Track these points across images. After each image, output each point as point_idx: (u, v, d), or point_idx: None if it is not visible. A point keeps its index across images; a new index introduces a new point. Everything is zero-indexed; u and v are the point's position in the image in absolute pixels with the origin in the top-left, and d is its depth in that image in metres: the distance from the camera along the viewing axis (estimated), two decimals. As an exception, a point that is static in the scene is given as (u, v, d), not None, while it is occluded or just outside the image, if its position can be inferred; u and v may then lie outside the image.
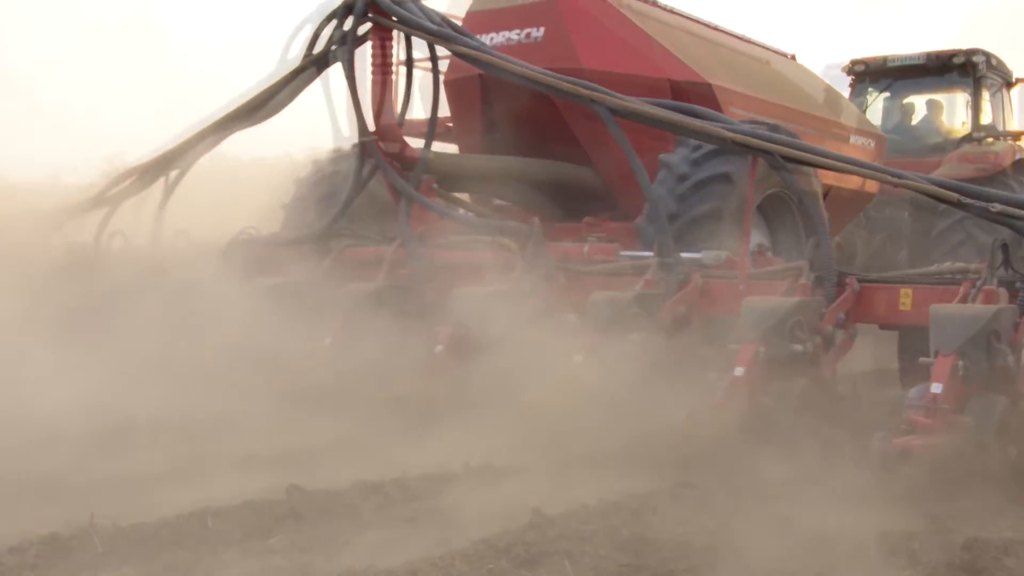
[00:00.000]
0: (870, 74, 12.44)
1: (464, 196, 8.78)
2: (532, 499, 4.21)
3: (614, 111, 6.59)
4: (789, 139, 6.55)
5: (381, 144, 7.36)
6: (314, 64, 7.60)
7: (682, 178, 7.19)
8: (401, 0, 7.21)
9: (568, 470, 4.90)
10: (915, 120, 12.54)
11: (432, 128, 7.60)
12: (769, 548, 3.80)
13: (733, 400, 5.17)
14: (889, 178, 6.09)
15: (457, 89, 8.26)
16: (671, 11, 8.79)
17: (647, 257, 6.38)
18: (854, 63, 12.53)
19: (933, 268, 5.97)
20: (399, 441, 5.40)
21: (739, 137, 6.28)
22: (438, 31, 7.16)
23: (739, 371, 5.25)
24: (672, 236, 6.46)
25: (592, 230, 7.68)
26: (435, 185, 7.66)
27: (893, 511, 4.28)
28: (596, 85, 6.73)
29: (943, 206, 6.66)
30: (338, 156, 8.91)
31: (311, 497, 4.35)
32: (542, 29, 8.02)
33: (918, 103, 12.56)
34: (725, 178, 7.11)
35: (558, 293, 6.41)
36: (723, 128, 6.39)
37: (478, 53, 7.10)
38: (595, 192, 8.29)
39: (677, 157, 7.30)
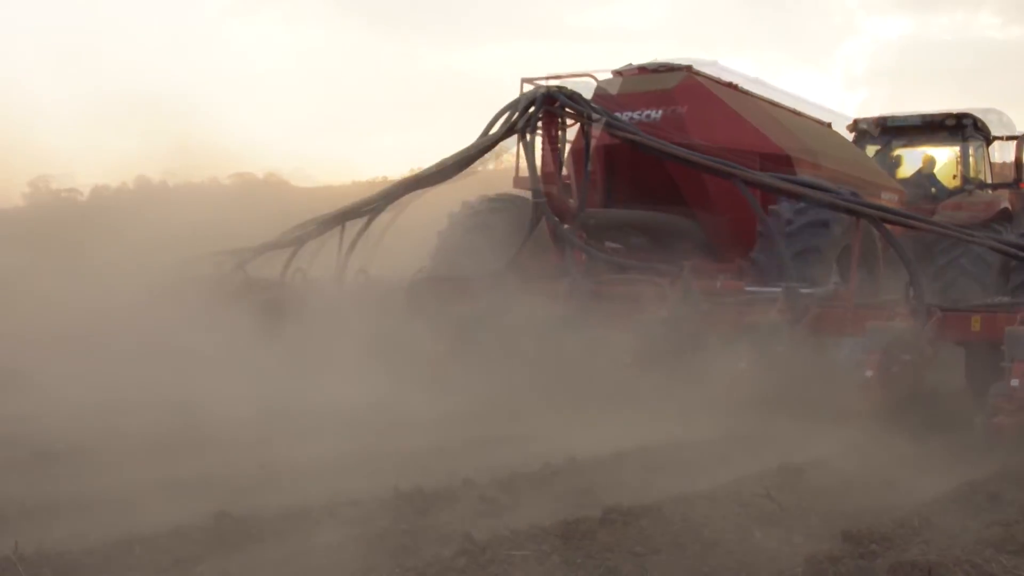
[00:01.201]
0: (870, 131, 14.20)
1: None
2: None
3: (747, 182, 8.60)
4: (881, 204, 9.04)
5: (549, 202, 9.07)
6: (504, 139, 9.42)
7: (788, 223, 9.19)
8: (572, 96, 9.12)
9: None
10: (910, 172, 14.10)
11: (584, 190, 9.39)
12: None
13: (870, 391, 7.08)
14: (965, 236, 8.78)
15: (581, 157, 9.63)
16: (754, 96, 10.93)
17: (774, 291, 8.08)
18: (857, 122, 14.32)
19: (991, 301, 8.47)
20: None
21: (850, 205, 8.44)
22: (600, 118, 9.02)
23: (869, 373, 7.14)
24: (779, 268, 8.48)
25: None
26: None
27: (976, 467, 5.85)
28: (734, 163, 8.72)
29: (941, 246, 9.87)
30: (484, 200, 10.90)
31: (239, 524, 4.33)
32: (660, 112, 10.05)
33: (911, 156, 14.25)
34: (823, 224, 9.18)
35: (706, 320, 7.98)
36: (835, 197, 8.49)
37: (635, 136, 9.04)
38: (693, 239, 10.01)
39: (783, 207, 9.34)
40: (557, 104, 9.11)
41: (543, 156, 9.23)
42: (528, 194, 9.66)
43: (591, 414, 7.17)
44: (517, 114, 9.13)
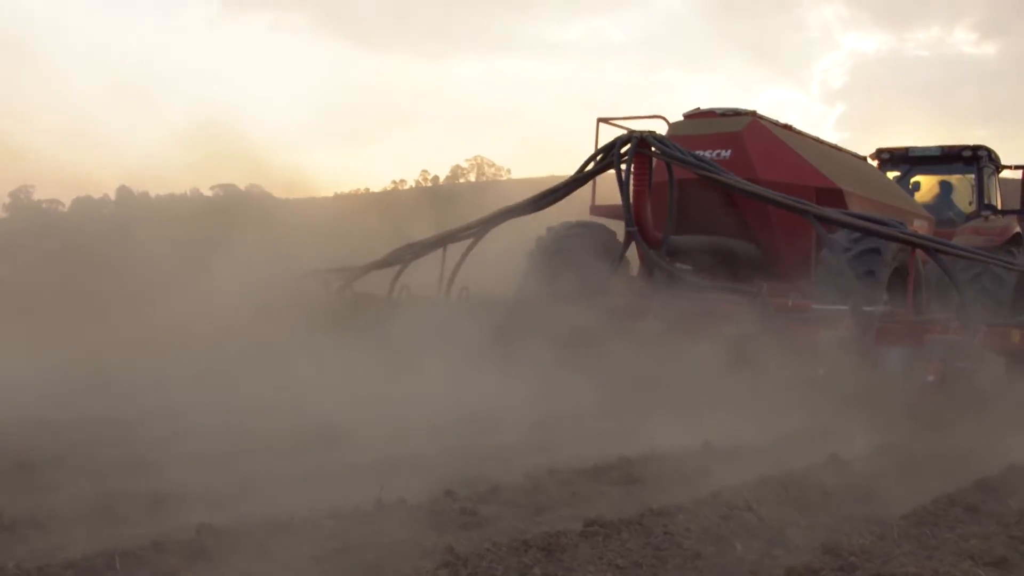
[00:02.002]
0: (892, 160, 15.55)
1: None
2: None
3: (819, 217, 9.82)
4: (931, 236, 10.80)
5: (639, 232, 10.29)
6: (598, 174, 10.82)
7: (846, 250, 10.15)
8: (661, 139, 10.37)
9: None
10: (928, 197, 15.40)
11: (671, 221, 10.56)
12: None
13: (930, 394, 8.29)
14: (1005, 264, 11.31)
15: (659, 188, 10.74)
16: (809, 136, 12.24)
17: (841, 309, 9.09)
18: (880, 151, 15.67)
19: None
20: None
21: (910, 238, 9.90)
22: (685, 159, 10.22)
23: (931, 378, 8.28)
24: (838, 290, 9.54)
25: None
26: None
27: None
28: (806, 201, 10.09)
29: (962, 265, 10.94)
30: (566, 225, 12.18)
31: (220, 536, 4.32)
32: (729, 151, 11.15)
33: (928, 183, 15.61)
34: (876, 250, 10.23)
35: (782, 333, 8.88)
36: (894, 231, 9.88)
37: (717, 175, 10.16)
38: (754, 262, 11.25)
39: (842, 236, 10.30)
40: (649, 147, 10.31)
41: (636, 191, 10.35)
42: (603, 220, 12.05)
43: (668, 417, 7.75)
44: (613, 153, 10.38)
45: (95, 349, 9.78)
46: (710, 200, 10.92)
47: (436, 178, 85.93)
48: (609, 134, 11.60)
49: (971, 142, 15.09)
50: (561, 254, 11.69)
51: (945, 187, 15.54)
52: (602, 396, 8.55)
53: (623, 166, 10.33)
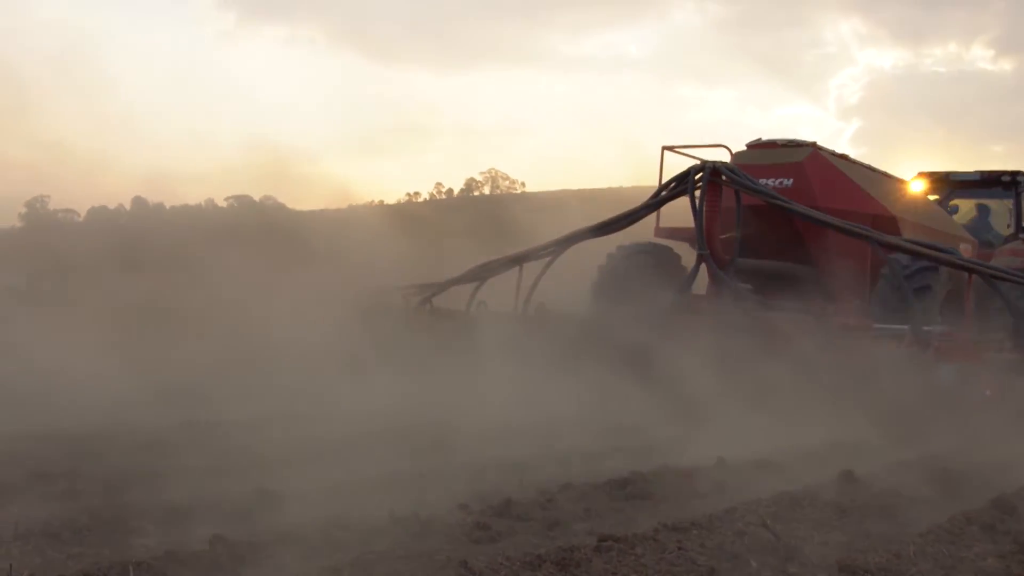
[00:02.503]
0: (933, 184, 15.92)
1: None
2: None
3: (880, 243, 10.44)
4: (989, 264, 11.10)
5: (711, 254, 10.90)
6: (671, 199, 11.41)
7: (905, 268, 10.80)
8: (732, 169, 10.93)
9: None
10: (966, 219, 15.71)
11: (738, 245, 11.11)
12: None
13: (986, 409, 8.94)
14: None
15: (727, 213, 11.22)
16: (863, 164, 12.82)
17: (900, 328, 9.73)
18: (921, 174, 16.10)
19: None
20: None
21: (968, 265, 10.47)
22: (754, 187, 10.88)
23: (988, 392, 9.16)
24: (895, 305, 10.37)
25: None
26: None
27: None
28: (867, 227, 10.66)
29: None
30: (633, 245, 12.83)
31: (233, 547, 4.32)
32: (791, 180, 11.71)
33: (965, 207, 16.02)
34: (933, 269, 10.96)
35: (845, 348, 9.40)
36: (953, 258, 10.61)
37: (785, 204, 10.79)
38: (812, 283, 11.56)
39: (901, 256, 10.81)
40: (721, 176, 10.88)
41: (708, 217, 10.93)
42: (665, 242, 12.78)
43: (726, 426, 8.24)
44: (688, 181, 11.02)
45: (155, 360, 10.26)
46: (770, 225, 11.53)
47: (450, 191, 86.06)
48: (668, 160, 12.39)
49: (988, 159, 16.09)
50: (630, 272, 12.30)
51: (983, 210, 15.95)
52: (672, 408, 8.95)
53: (697, 193, 10.97)
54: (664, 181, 11.61)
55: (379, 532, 4.73)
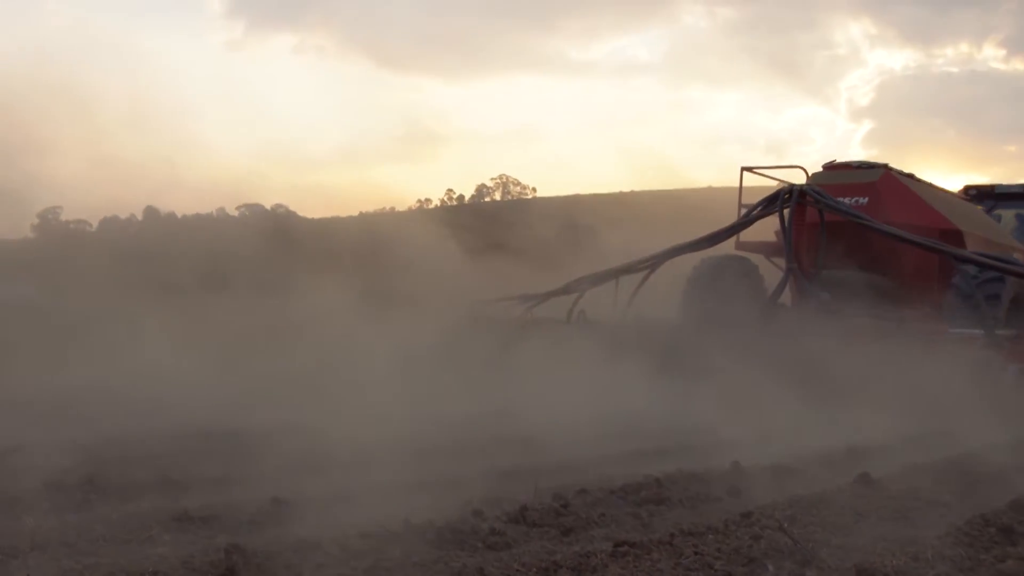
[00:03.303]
0: (979, 196, 16.81)
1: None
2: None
3: (954, 256, 11.74)
4: None
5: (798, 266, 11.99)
6: (762, 217, 12.57)
7: (974, 278, 11.87)
8: (817, 191, 12.13)
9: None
10: (1008, 230, 16.49)
11: (822, 258, 12.25)
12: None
13: None
14: None
15: (808, 229, 12.45)
16: (928, 183, 13.99)
17: (974, 332, 10.77)
18: (967, 188, 17.17)
19: None
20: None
21: None
22: (838, 207, 12.03)
23: None
24: (966, 311, 11.50)
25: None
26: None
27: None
28: (941, 242, 11.99)
29: None
30: (718, 257, 13.63)
31: (249, 556, 4.32)
32: (867, 198, 12.76)
33: (1006, 217, 16.99)
34: (1000, 278, 12.00)
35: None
36: (1017, 268, 11.80)
37: (868, 222, 11.95)
38: (884, 292, 12.44)
39: (970, 265, 11.90)
40: (807, 197, 12.07)
41: (795, 233, 12.03)
42: (745, 254, 13.83)
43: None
44: (778, 202, 12.19)
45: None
46: (846, 240, 12.44)
47: (461, 197, 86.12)
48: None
49: (1001, 159, 17.25)
50: (716, 282, 13.23)
51: (1023, 219, 16.95)
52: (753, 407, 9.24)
53: (786, 212, 12.08)
54: (742, 199, 13.24)
55: (395, 539, 4.73)
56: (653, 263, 12.85)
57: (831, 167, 13.62)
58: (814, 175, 13.34)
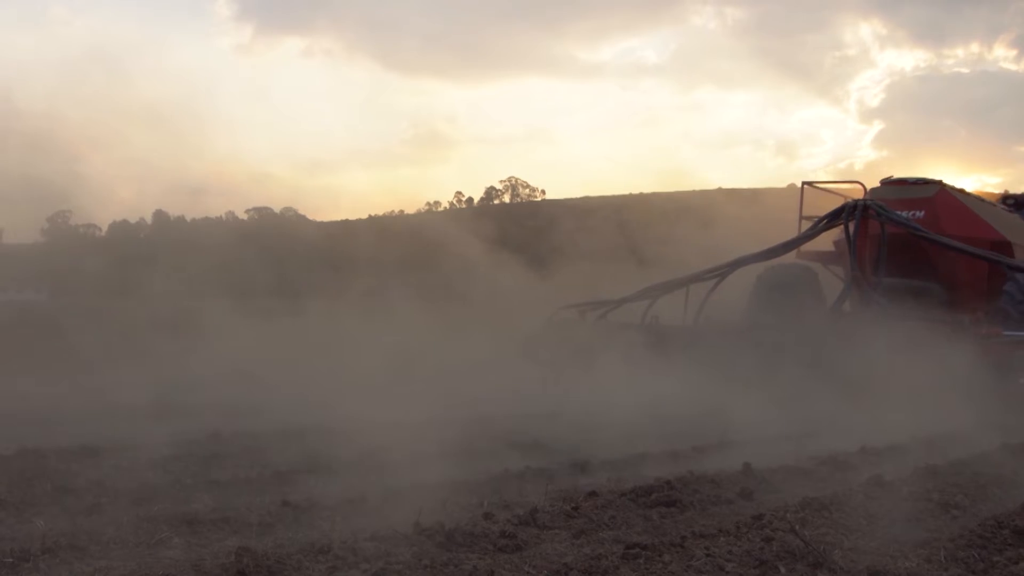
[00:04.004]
0: (1017, 205, 16.95)
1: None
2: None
3: (1008, 266, 12.82)
4: None
5: (861, 275, 12.73)
6: (827, 230, 13.47)
7: None
8: (879, 206, 12.93)
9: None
10: None
11: (882, 267, 12.77)
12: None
13: None
14: None
15: (869, 240, 13.21)
16: (978, 197, 14.95)
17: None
18: (1005, 197, 17.44)
19: None
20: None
21: None
22: (899, 220, 12.93)
23: None
24: (1017, 316, 12.44)
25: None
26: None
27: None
28: (995, 253, 13.12)
29: None
30: (782, 265, 14.22)
31: (260, 559, 4.31)
32: (923, 211, 13.62)
33: None
34: None
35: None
36: None
37: (926, 234, 12.96)
38: (937, 298, 13.38)
39: (1021, 276, 12.90)
40: (870, 211, 12.88)
41: (858, 245, 12.79)
42: (806, 262, 14.56)
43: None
44: (844, 216, 12.97)
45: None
46: (903, 250, 13.22)
47: (470, 199, 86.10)
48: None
49: (1013, 159, 17.60)
50: (782, 289, 13.92)
51: None
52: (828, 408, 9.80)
53: (851, 225, 12.86)
54: (803, 212, 14.15)
55: (405, 542, 4.72)
56: (723, 272, 13.58)
57: (888, 182, 14.43)
58: (873, 189, 14.08)
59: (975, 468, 6.96)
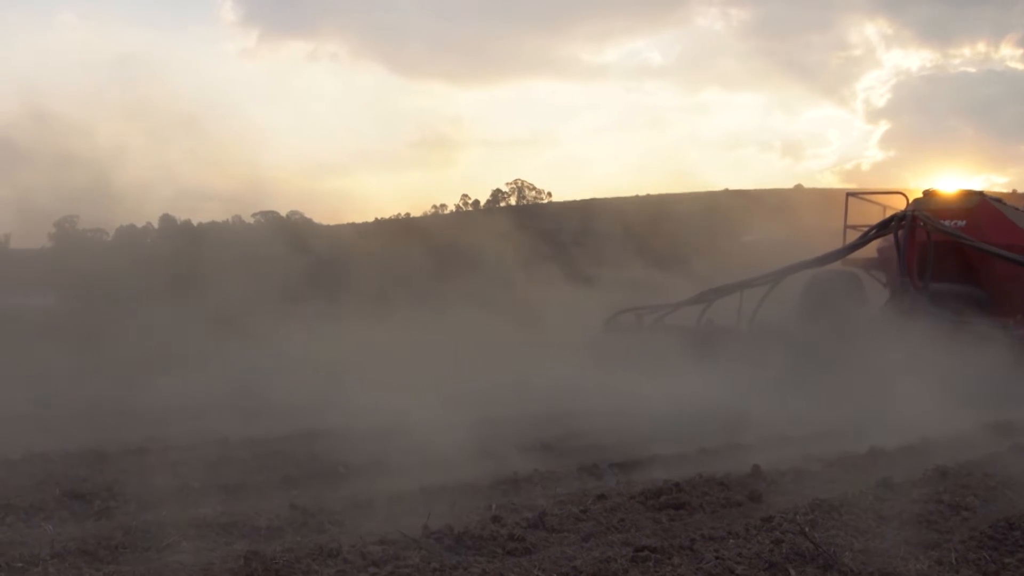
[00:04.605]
0: None
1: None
2: None
3: None
4: None
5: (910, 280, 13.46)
6: (875, 238, 14.26)
7: None
8: (925, 216, 13.65)
9: None
10: None
11: (929, 274, 13.35)
12: None
13: None
14: None
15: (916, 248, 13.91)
16: (1015, 207, 15.16)
17: None
18: None
19: None
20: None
21: None
22: (946, 230, 13.74)
23: None
24: None
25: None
26: None
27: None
28: None
29: None
30: (830, 271, 14.82)
31: (268, 562, 4.31)
32: (965, 221, 14.23)
33: None
34: None
35: None
36: None
37: (971, 242, 13.62)
38: (980, 302, 14.00)
39: None
40: (917, 221, 13.59)
41: (907, 252, 13.50)
42: (851, 268, 15.19)
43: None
44: (892, 225, 13.73)
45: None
46: (947, 257, 13.91)
47: (476, 202, 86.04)
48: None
49: (1020, 159, 17.71)
50: (831, 293, 14.58)
51: None
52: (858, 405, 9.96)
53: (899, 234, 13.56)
54: (847, 221, 15.01)
55: (413, 545, 4.71)
56: (776, 277, 14.33)
57: (931, 194, 15.11)
58: (915, 200, 14.81)
59: (986, 469, 6.93)
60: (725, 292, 14.55)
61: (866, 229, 14.58)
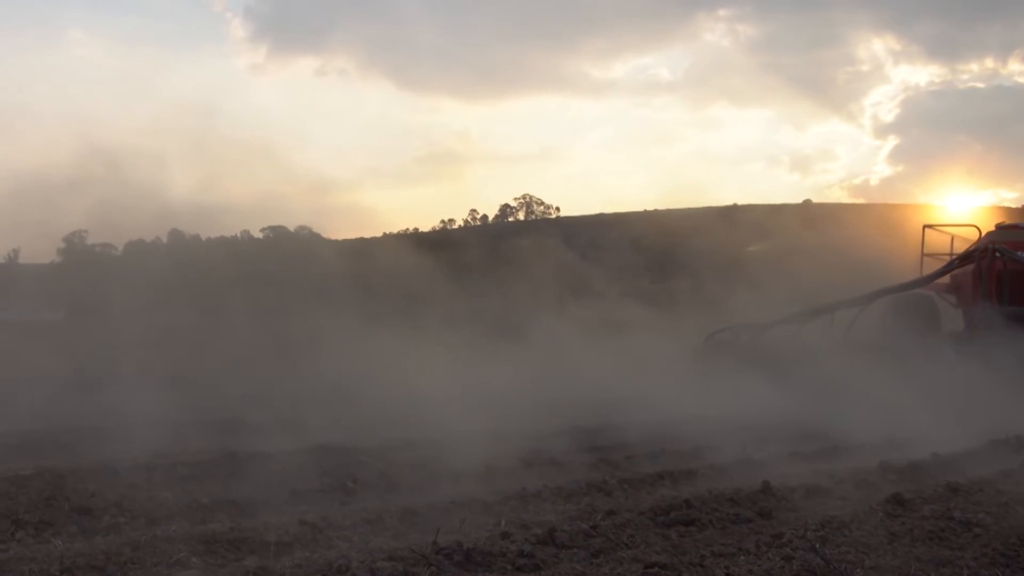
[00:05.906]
0: None
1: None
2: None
3: None
4: None
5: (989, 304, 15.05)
6: (957, 268, 15.94)
7: None
8: (1002, 247, 15.21)
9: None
10: None
11: (1005, 298, 14.99)
12: None
13: None
14: None
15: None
16: None
17: None
18: None
19: None
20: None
21: None
22: (1021, 260, 15.03)
23: None
24: None
25: None
26: None
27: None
28: None
29: None
30: (912, 293, 16.36)
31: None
32: None
33: None
34: None
35: None
36: None
37: None
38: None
39: None
40: (995, 253, 15.21)
41: (988, 281, 15.28)
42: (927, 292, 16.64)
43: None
44: (974, 257, 15.42)
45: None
46: (1020, 284, 15.36)
47: (485, 217, 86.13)
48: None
49: None
50: (911, 313, 16.08)
51: None
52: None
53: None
54: (925, 250, 16.81)
55: (423, 561, 4.70)
56: (866, 300, 15.76)
57: (1004, 227, 16.75)
58: (989, 233, 16.42)
59: (997, 486, 6.90)
60: (818, 312, 15.92)
61: (950, 259, 16.39)
